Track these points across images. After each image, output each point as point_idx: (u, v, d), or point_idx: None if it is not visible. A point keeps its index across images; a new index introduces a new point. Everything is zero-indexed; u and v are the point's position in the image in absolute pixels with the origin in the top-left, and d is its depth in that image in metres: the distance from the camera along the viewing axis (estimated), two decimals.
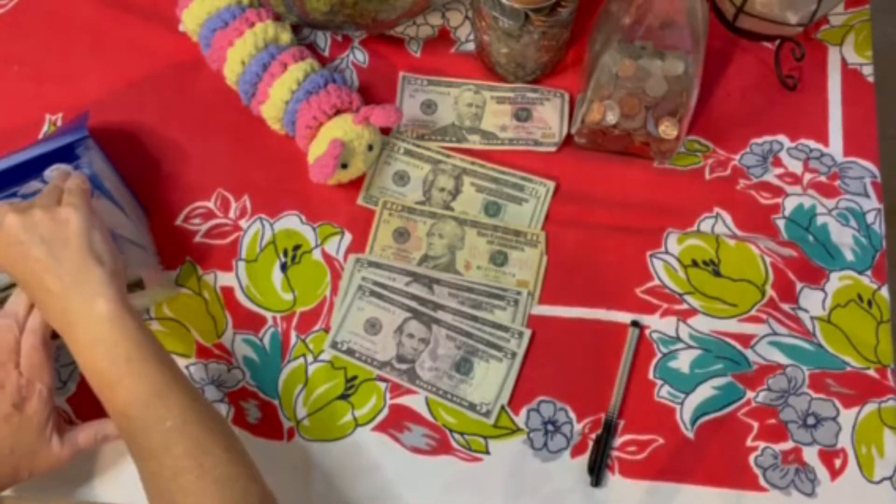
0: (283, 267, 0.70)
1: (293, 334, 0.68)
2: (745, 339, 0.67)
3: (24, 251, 0.56)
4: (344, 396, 0.66)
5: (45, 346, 0.59)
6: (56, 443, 0.59)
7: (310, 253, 0.70)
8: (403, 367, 0.67)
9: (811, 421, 0.65)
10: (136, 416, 0.54)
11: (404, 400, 0.66)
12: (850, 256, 0.70)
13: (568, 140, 0.74)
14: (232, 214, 0.72)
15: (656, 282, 0.69)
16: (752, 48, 0.77)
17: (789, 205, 0.72)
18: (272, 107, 0.70)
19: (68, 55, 0.77)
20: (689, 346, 0.67)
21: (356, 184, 0.72)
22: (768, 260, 0.70)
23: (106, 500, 0.64)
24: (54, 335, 0.60)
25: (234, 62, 0.71)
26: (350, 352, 0.67)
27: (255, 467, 0.56)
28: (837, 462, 0.64)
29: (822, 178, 0.73)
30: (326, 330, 0.68)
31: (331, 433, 0.66)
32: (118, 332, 0.55)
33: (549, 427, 0.65)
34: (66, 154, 0.66)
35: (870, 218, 0.71)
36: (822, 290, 0.69)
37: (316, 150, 0.69)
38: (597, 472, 0.64)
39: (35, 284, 0.57)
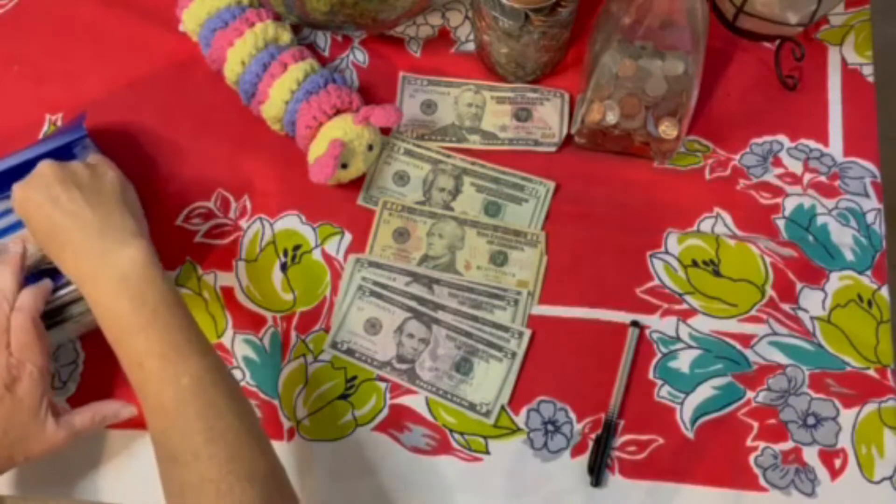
0: (283, 267, 0.70)
1: (293, 334, 0.68)
2: (745, 339, 0.67)
3: (56, 195, 0.58)
4: (344, 396, 0.66)
5: (36, 326, 0.58)
6: (51, 425, 0.58)
7: (310, 253, 0.70)
8: (403, 367, 0.67)
9: (811, 421, 0.65)
10: (151, 369, 0.54)
11: (404, 400, 0.66)
12: (850, 256, 0.70)
13: (568, 140, 0.74)
14: (232, 214, 0.72)
15: (656, 282, 0.69)
16: (752, 48, 0.77)
17: (789, 205, 0.72)
18: (272, 107, 0.70)
19: (68, 55, 0.77)
20: (689, 346, 0.67)
21: (356, 184, 0.72)
22: (768, 260, 0.70)
23: (107, 499, 0.64)
24: (48, 314, 0.60)
25: (234, 62, 0.71)
26: (350, 352, 0.67)
27: (265, 438, 0.56)
28: (837, 462, 0.64)
29: (822, 178, 0.73)
30: (326, 330, 0.68)
31: (331, 433, 0.66)
32: (147, 281, 0.55)
33: (549, 427, 0.65)
34: (63, 154, 0.66)
35: (870, 218, 0.71)
36: (822, 290, 0.69)
37: (316, 150, 0.69)
38: (597, 472, 0.64)
39: (63, 229, 0.57)
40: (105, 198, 0.59)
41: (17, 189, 0.60)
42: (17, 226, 0.64)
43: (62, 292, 0.62)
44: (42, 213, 0.58)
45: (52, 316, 0.62)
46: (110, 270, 0.55)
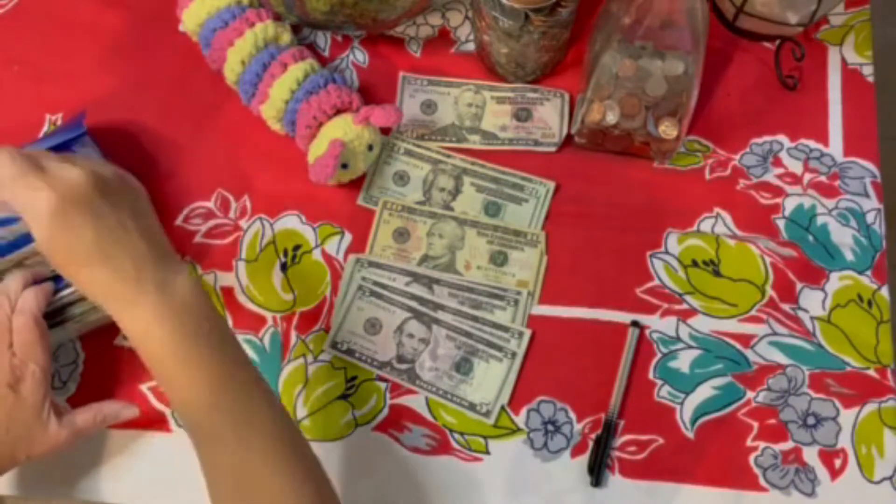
0: (283, 267, 0.70)
1: (293, 334, 0.68)
2: (745, 339, 0.67)
3: (98, 211, 0.51)
4: (344, 396, 0.66)
5: (38, 326, 0.58)
6: (54, 424, 0.58)
7: (310, 253, 0.70)
8: (403, 367, 0.67)
9: (811, 421, 0.65)
10: (196, 405, 0.53)
11: (404, 400, 0.66)
12: (850, 256, 0.70)
13: (568, 140, 0.74)
14: (232, 214, 0.72)
15: (656, 282, 0.69)
16: (752, 48, 0.77)
17: (789, 205, 0.72)
18: (272, 107, 0.70)
19: (68, 55, 0.77)
20: (689, 346, 0.67)
21: (356, 184, 0.72)
22: (768, 260, 0.70)
23: (108, 499, 0.64)
24: (49, 315, 0.60)
25: (234, 62, 0.71)
26: (350, 352, 0.67)
27: (318, 468, 0.55)
28: (837, 462, 0.64)
29: (822, 178, 0.73)
30: (326, 330, 0.68)
31: (331, 433, 0.65)
32: (194, 309, 0.53)
33: (549, 427, 0.65)
34: (63, 152, 0.65)
35: (870, 218, 0.71)
36: (822, 290, 0.69)
37: (316, 150, 0.69)
38: (597, 472, 0.64)
39: (102, 248, 0.51)
40: (149, 219, 0.55)
41: (45, 197, 0.49)
42: (12, 220, 0.63)
43: (64, 293, 0.62)
44: (82, 235, 0.50)
45: (53, 316, 0.62)
46: (154, 301, 0.51)
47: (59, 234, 0.50)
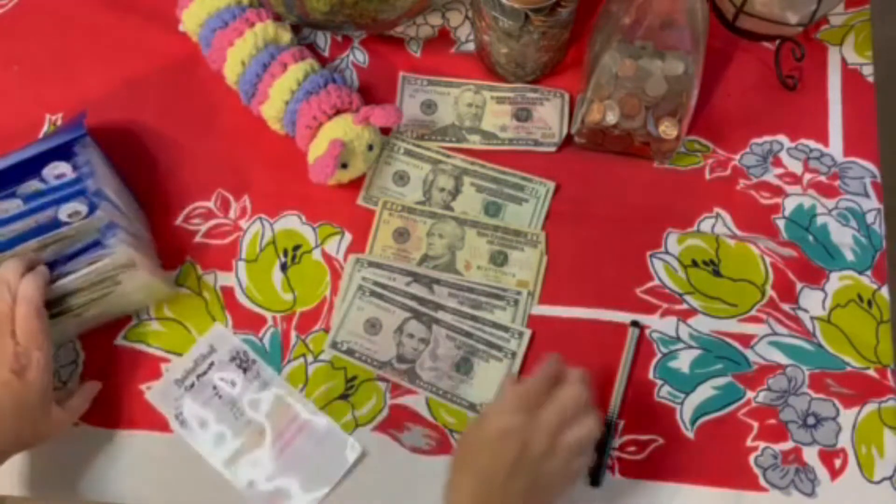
0: (283, 267, 0.70)
1: (293, 334, 0.68)
2: (745, 339, 0.67)
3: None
4: (344, 396, 0.66)
5: (40, 315, 0.59)
6: (57, 409, 0.60)
7: (310, 253, 0.70)
8: (403, 367, 0.67)
9: (811, 421, 0.65)
10: None
11: (404, 400, 0.66)
12: (850, 256, 0.70)
13: (568, 140, 0.74)
14: (232, 214, 0.72)
15: (656, 282, 0.69)
16: (752, 48, 0.77)
17: (789, 205, 0.72)
18: (272, 107, 0.70)
19: (68, 55, 0.77)
20: (689, 346, 0.67)
21: (356, 184, 0.72)
22: (768, 260, 0.70)
23: (109, 499, 0.64)
24: (47, 304, 0.60)
25: (234, 62, 0.71)
26: (350, 352, 0.67)
27: None
28: (837, 462, 0.64)
29: (822, 178, 0.73)
30: (326, 330, 0.68)
31: None
32: None
33: None
34: (64, 153, 0.66)
35: (870, 218, 0.71)
36: (822, 290, 0.69)
37: (316, 150, 0.69)
38: (597, 472, 0.64)
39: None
40: None
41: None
42: (12, 220, 0.63)
43: (61, 282, 0.61)
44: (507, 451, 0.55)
45: (53, 306, 0.62)
46: None
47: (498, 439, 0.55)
